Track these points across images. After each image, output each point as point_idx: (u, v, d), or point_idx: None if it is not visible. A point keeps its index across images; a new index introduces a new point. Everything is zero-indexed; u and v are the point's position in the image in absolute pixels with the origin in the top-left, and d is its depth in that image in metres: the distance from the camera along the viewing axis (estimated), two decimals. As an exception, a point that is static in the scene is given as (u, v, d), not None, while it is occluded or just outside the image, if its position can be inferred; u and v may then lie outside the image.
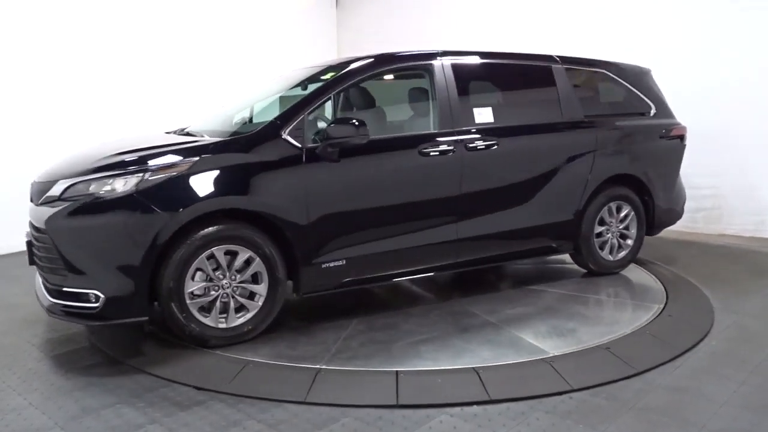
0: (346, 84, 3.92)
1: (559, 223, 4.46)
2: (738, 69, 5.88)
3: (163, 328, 3.55)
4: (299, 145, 3.54)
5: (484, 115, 4.15)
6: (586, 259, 4.65)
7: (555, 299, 4.27)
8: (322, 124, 3.93)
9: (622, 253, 4.79)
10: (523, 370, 3.11)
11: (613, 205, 4.67)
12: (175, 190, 3.29)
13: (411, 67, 4.25)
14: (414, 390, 2.92)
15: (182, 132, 4.23)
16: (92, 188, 3.28)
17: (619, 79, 4.83)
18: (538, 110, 4.53)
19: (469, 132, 4.03)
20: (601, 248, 4.68)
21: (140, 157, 3.41)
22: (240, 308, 3.49)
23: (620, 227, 4.74)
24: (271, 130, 3.56)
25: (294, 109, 3.65)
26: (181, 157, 3.38)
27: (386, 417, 2.72)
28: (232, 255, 3.42)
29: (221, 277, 3.40)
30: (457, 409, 2.77)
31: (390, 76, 4.39)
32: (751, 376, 3.07)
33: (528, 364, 3.16)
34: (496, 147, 4.08)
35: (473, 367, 3.10)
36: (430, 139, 3.95)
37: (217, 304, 3.42)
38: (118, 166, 3.35)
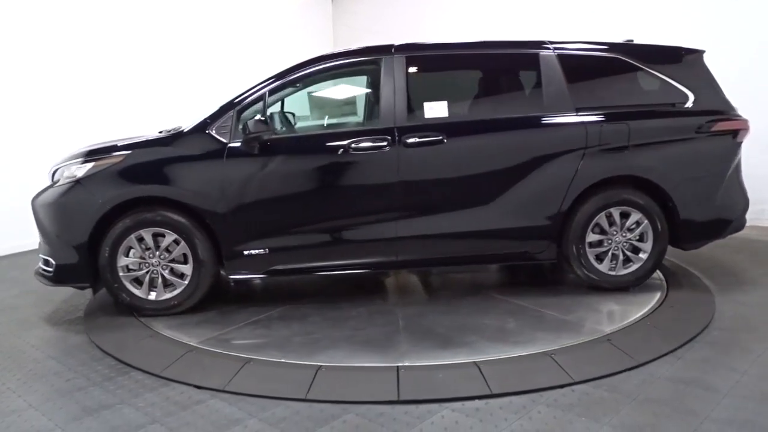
0: (280, 82, 4.03)
1: (529, 228, 4.03)
2: (734, 60, 5.84)
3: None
4: (223, 141, 3.89)
5: (436, 110, 3.98)
6: (577, 270, 4.11)
7: (553, 290, 4.23)
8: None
9: (632, 268, 4.11)
10: (525, 363, 3.09)
11: (615, 212, 4.05)
12: (107, 178, 3.88)
13: (356, 63, 4.22)
14: (415, 385, 2.91)
15: (172, 131, 4.24)
16: (57, 174, 4.10)
17: (638, 64, 4.13)
18: (511, 103, 4.22)
19: (411, 128, 3.91)
20: (600, 260, 4.14)
21: (93, 150, 4.03)
22: (171, 284, 4.01)
23: (627, 237, 4.10)
24: (200, 127, 3.96)
25: (223, 107, 3.99)
26: (119, 151, 3.94)
27: (388, 413, 2.71)
28: (163, 237, 3.95)
29: (151, 256, 3.94)
30: (459, 404, 2.75)
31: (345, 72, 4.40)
32: (754, 366, 3.06)
33: (529, 358, 3.14)
34: (443, 143, 3.89)
35: (474, 361, 3.09)
36: (360, 135, 3.92)
37: (147, 278, 3.97)
38: (78, 157, 4.02)
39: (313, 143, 4.09)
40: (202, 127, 3.95)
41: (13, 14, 6.19)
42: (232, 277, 4.03)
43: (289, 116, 4.92)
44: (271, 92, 4.02)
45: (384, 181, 3.91)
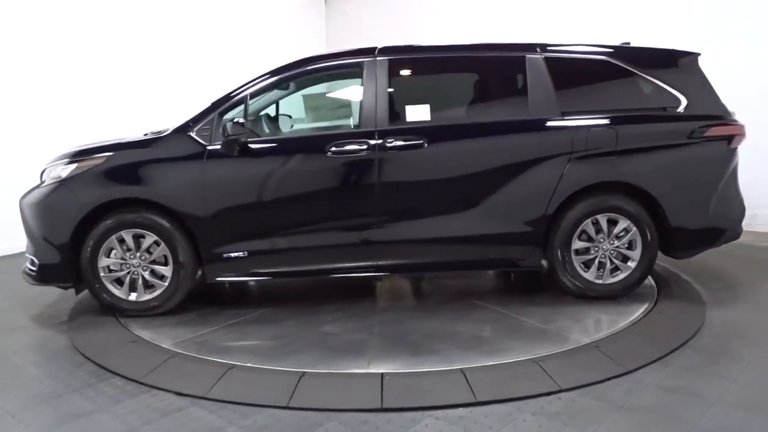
0: (262, 84, 4.04)
1: (513, 234, 3.95)
2: (729, 63, 5.83)
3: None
4: (203, 143, 3.88)
5: (418, 113, 3.94)
6: (562, 278, 4.01)
7: (537, 299, 4.17)
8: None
9: (620, 276, 4.02)
10: (511, 370, 3.05)
11: (602, 219, 3.96)
12: (89, 180, 3.89)
13: (339, 66, 4.21)
14: (399, 393, 2.85)
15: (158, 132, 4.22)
16: (44, 175, 4.12)
17: (629, 68, 4.04)
18: (495, 107, 4.17)
19: (392, 132, 3.87)
20: (587, 267, 4.06)
21: (78, 151, 4.03)
22: (151, 286, 3.99)
23: (615, 245, 4.00)
24: (181, 129, 3.95)
25: (206, 110, 3.99)
26: (102, 153, 3.94)
27: (371, 421, 2.66)
28: (144, 238, 3.94)
29: (131, 257, 3.92)
30: (442, 412, 2.70)
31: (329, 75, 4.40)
32: (743, 373, 3.02)
33: (515, 365, 3.10)
34: (424, 147, 3.84)
35: (460, 368, 3.04)
36: (340, 138, 3.89)
37: (128, 279, 3.96)
38: (64, 157, 4.03)
39: (293, 146, 4.07)
40: (183, 129, 3.95)
41: (9, 20, 6.15)
42: (219, 279, 4.01)
43: (283, 118, 4.92)
44: (253, 95, 4.01)
45: (364, 184, 3.88)
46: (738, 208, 4.18)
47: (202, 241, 3.91)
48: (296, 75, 4.18)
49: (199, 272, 4.05)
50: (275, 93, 4.50)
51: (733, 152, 4.07)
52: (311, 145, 3.99)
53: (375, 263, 3.99)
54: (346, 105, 5.19)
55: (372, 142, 3.85)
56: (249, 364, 3.20)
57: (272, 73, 4.10)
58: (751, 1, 5.84)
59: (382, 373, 3.02)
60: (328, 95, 5.36)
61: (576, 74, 4.15)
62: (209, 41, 8.00)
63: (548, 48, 4.12)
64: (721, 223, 4.13)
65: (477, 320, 3.78)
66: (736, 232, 4.19)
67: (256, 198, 3.89)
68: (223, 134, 3.83)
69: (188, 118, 4.00)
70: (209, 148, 3.88)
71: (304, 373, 3.05)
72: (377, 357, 3.27)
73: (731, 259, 5.09)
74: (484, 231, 3.95)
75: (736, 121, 4.10)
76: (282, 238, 3.94)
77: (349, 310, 4.07)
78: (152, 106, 7.12)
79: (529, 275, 4.78)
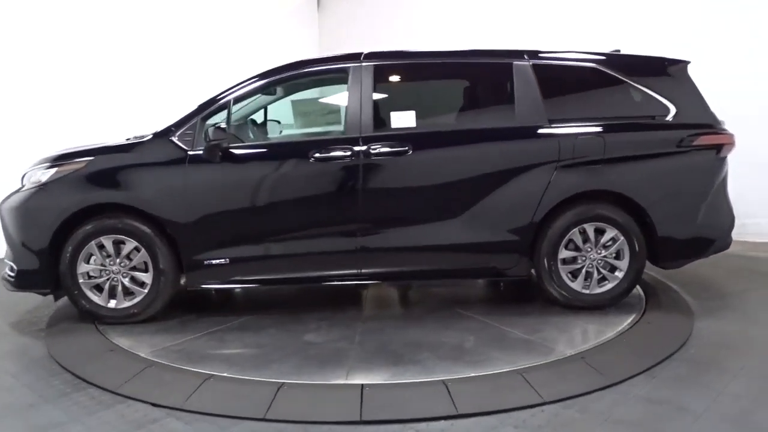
0: (246, 89, 4.00)
1: (499, 243, 3.90)
2: (719, 72, 5.80)
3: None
4: (185, 148, 3.82)
5: (403, 120, 3.88)
6: (549, 288, 3.94)
7: (524, 308, 4.10)
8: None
9: (607, 286, 3.95)
10: (494, 381, 2.99)
11: (590, 228, 3.89)
12: (69, 184, 3.83)
13: (324, 71, 4.18)
14: (379, 405, 2.79)
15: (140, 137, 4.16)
16: (25, 179, 4.05)
17: (618, 75, 3.99)
18: (481, 114, 4.14)
19: (377, 138, 3.81)
20: (574, 277, 3.99)
21: (59, 155, 3.98)
22: (131, 293, 3.91)
23: (603, 255, 3.93)
24: (163, 134, 3.90)
25: (189, 114, 3.94)
26: (83, 157, 3.88)
27: (349, 434, 2.60)
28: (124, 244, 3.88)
29: (111, 263, 3.86)
30: (424, 425, 2.64)
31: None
32: (730, 385, 2.97)
33: (499, 376, 3.04)
34: (408, 154, 3.78)
35: (442, 380, 2.98)
36: (323, 145, 3.85)
37: (107, 286, 3.88)
38: (45, 161, 3.98)
39: (275, 152, 4.03)
40: (165, 134, 3.90)
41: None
42: (200, 286, 3.95)
43: (271, 124, 4.87)
44: (237, 100, 3.96)
45: (348, 191, 3.82)
46: (727, 218, 4.14)
47: (183, 247, 3.85)
48: (281, 80, 4.14)
49: (182, 279, 3.98)
50: (262, 98, 4.47)
51: (722, 161, 4.03)
52: (294, 151, 3.94)
53: (359, 271, 3.94)
54: (334, 111, 5.16)
55: (356, 148, 3.80)
56: (227, 374, 3.13)
57: (256, 78, 4.05)
58: (742, 10, 5.84)
59: (362, 385, 2.95)
60: (316, 101, 5.33)
61: (564, 82, 4.12)
62: (201, 46, 7.95)
63: (536, 55, 4.08)
64: (710, 233, 4.08)
65: (461, 330, 3.72)
66: (725, 242, 4.15)
67: (238, 204, 3.84)
68: (205, 139, 3.77)
69: (171, 123, 3.94)
70: (191, 153, 3.82)
71: (283, 383, 2.98)
72: (358, 367, 3.21)
73: (720, 269, 5.05)
74: (470, 239, 3.90)
75: (725, 130, 4.07)
76: (264, 245, 3.88)
77: (334, 318, 4.01)
78: (142, 109, 7.03)
79: (518, 284, 4.72)
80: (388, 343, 3.55)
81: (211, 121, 3.94)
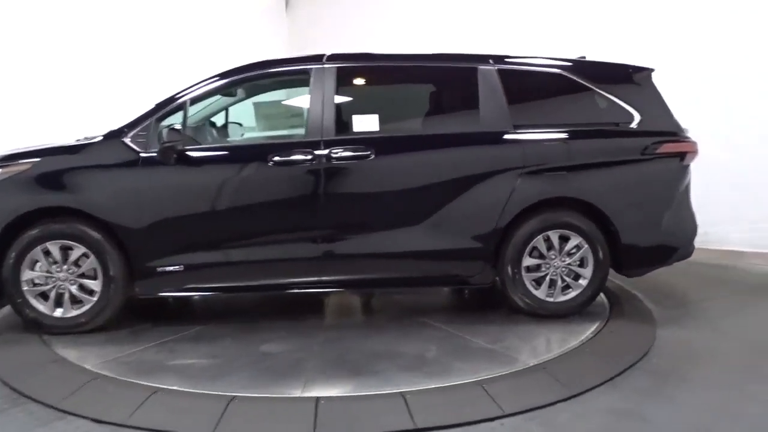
0: (203, 90, 3.85)
1: (462, 250, 3.81)
2: (682, 79, 5.84)
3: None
4: (138, 150, 3.66)
5: (366, 123, 3.79)
6: (513, 296, 3.88)
7: (487, 317, 4.02)
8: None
9: (571, 294, 3.89)
10: (454, 394, 2.90)
11: (554, 235, 3.85)
12: (13, 186, 3.65)
13: (285, 72, 4.08)
14: (333, 419, 2.67)
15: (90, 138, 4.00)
16: None
17: (583, 82, 3.97)
18: (446, 119, 4.09)
19: (339, 142, 3.70)
20: (538, 285, 3.91)
21: (5, 156, 3.80)
22: (79, 301, 3.71)
23: (567, 262, 3.89)
24: (114, 135, 3.73)
25: (143, 115, 3.78)
26: (29, 158, 3.70)
27: (301, 451, 2.48)
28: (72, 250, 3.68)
29: (58, 270, 3.66)
30: (379, 440, 2.55)
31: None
32: (693, 396, 2.93)
33: (459, 388, 2.95)
34: (371, 159, 3.68)
35: (400, 392, 2.87)
36: (283, 148, 3.72)
37: (53, 294, 3.68)
38: None
39: (233, 155, 3.91)
40: (116, 135, 3.73)
41: None
42: (152, 294, 3.79)
43: (233, 127, 4.73)
44: (194, 100, 3.82)
45: (308, 196, 3.71)
46: (690, 226, 4.13)
47: (135, 253, 3.68)
48: (241, 80, 4.02)
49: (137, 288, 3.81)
50: (223, 100, 4.34)
51: (685, 169, 4.03)
52: (252, 154, 3.81)
53: (320, 279, 3.82)
54: (298, 114, 5.03)
55: (317, 152, 3.70)
56: (176, 388, 2.98)
57: (215, 78, 3.92)
58: (705, 18, 5.89)
59: (317, 398, 2.83)
60: (279, 103, 5.21)
61: (530, 87, 4.08)
62: (167, 45, 7.76)
63: (502, 60, 4.04)
64: (673, 241, 4.08)
65: (423, 339, 3.63)
66: (687, 250, 4.14)
67: (192, 209, 3.70)
68: (159, 141, 3.63)
69: (123, 124, 3.78)
70: (143, 155, 3.66)
71: (234, 397, 2.85)
72: (316, 379, 3.09)
73: (683, 276, 5.05)
74: (434, 246, 3.81)
75: (688, 137, 4.07)
76: (221, 252, 3.74)
77: (293, 327, 3.88)
78: (100, 108, 6.81)
79: (482, 292, 4.65)
80: (347, 353, 3.44)
81: (166, 122, 3.79)
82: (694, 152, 4.03)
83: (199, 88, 3.86)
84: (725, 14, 5.80)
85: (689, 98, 5.26)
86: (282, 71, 4.07)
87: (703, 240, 5.53)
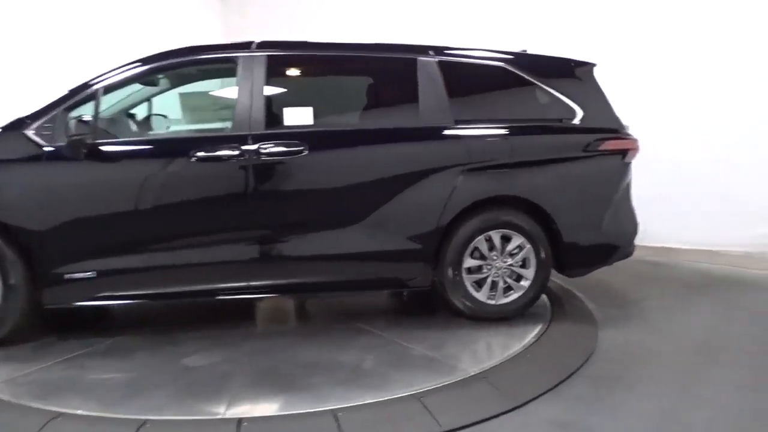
0: (118, 78, 3.52)
1: (401, 252, 3.61)
2: (623, 75, 5.83)
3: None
4: (41, 143, 3.31)
5: (298, 117, 3.55)
6: (453, 299, 3.70)
7: (427, 321, 3.83)
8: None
9: (513, 296, 3.75)
10: (390, 409, 2.69)
11: (496, 235, 3.69)
12: None
13: (210, 60, 3.77)
14: (257, 443, 2.44)
15: None
16: None
17: (525, 76, 3.83)
18: (384, 113, 3.86)
19: (268, 137, 3.43)
20: (479, 287, 3.75)
21: None
22: None
23: (509, 263, 3.74)
24: (13, 127, 3.36)
25: (49, 105, 3.43)
26: None
27: (219, 481, 2.23)
28: None
29: None
30: (307, 466, 2.32)
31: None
32: (637, 403, 2.82)
33: (395, 402, 2.74)
34: (304, 155, 3.43)
35: (331, 409, 2.64)
36: (207, 143, 3.44)
37: None
38: None
39: (150, 150, 3.59)
40: (16, 127, 3.36)
41: None
42: (60, 304, 3.43)
43: (156, 119, 4.38)
44: (108, 89, 3.46)
45: (236, 195, 3.43)
46: (631, 225, 4.07)
47: (39, 259, 3.31)
48: (162, 68, 3.71)
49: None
50: (146, 90, 4.00)
51: (627, 167, 3.96)
52: (172, 149, 3.50)
53: (248, 284, 3.54)
54: (228, 106, 4.72)
55: (245, 147, 3.41)
56: (80, 411, 2.65)
57: (134, 65, 3.59)
58: (646, 13, 5.89)
59: (239, 419, 2.57)
60: (208, 94, 4.87)
61: (471, 80, 3.92)
62: (93, 38, 7.22)
63: (442, 51, 3.85)
64: (615, 239, 4.00)
65: (360, 348, 3.42)
66: (628, 249, 4.08)
67: (106, 209, 3.37)
68: (66, 134, 3.27)
69: (26, 114, 3.40)
70: (48, 149, 3.30)
71: (146, 421, 2.55)
72: (242, 396, 2.83)
73: (621, 274, 4.99)
74: (371, 248, 3.60)
75: (630, 135, 4.00)
76: (138, 256, 3.41)
77: (218, 337, 3.59)
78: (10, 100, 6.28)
79: (422, 295, 4.47)
80: (278, 365, 3.19)
81: (76, 112, 3.42)
82: (636, 149, 3.97)
83: (114, 75, 3.52)
84: (656, 10, 5.82)
85: (626, 94, 5.23)
86: (206, 59, 3.76)
87: (642, 237, 5.55)
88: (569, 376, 3.08)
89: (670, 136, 5.70)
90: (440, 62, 3.76)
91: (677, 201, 5.80)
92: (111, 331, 3.69)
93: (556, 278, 4.48)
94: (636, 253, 4.23)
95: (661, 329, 3.83)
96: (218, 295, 3.59)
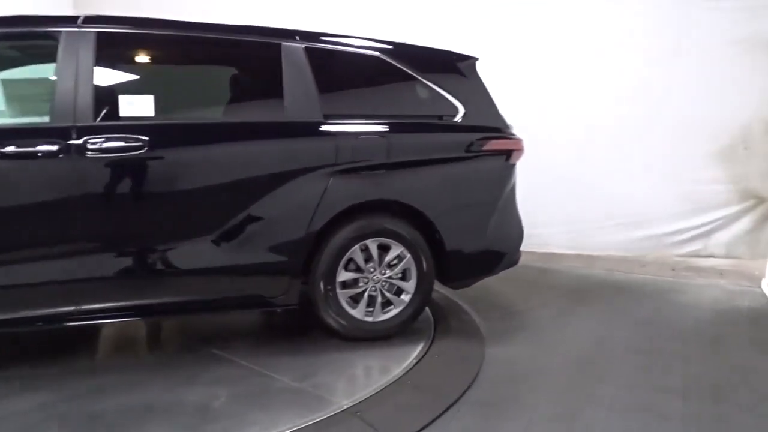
0: None
1: (263, 265, 3.14)
2: (507, 72, 5.65)
3: None
4: None
5: (137, 107, 2.97)
6: (325, 317, 3.28)
7: (296, 345, 3.38)
8: None
9: (393, 312, 3.37)
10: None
11: (372, 244, 3.30)
12: None
13: (19, 35, 3.04)
14: None
15: None
16: None
17: (403, 68, 3.46)
18: (242, 105, 3.37)
19: (99, 129, 2.85)
20: (355, 303, 3.34)
21: None
22: None
23: (387, 275, 3.36)
24: None
25: None
26: None
27: None
28: None
29: None
30: None
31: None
32: (526, 429, 2.51)
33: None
34: (143, 152, 2.87)
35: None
36: (17, 136, 2.83)
37: None
38: None
39: None
40: None
41: None
42: None
43: None
44: None
45: (56, 199, 2.79)
46: (516, 230, 3.83)
47: None
48: None
49: None
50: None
51: (511, 169, 3.71)
52: None
53: (77, 308, 2.88)
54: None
55: (68, 142, 2.77)
56: None
57: None
58: (532, 9, 5.77)
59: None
60: (34, 81, 4.09)
61: (344, 71, 3.49)
62: None
63: (311, 37, 3.38)
64: (500, 246, 3.74)
65: (212, 381, 2.86)
66: (514, 257, 3.84)
67: None
68: None
69: None
70: None
71: None
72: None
73: (509, 282, 4.75)
74: (227, 262, 3.06)
75: (514, 135, 3.75)
76: None
77: (35, 376, 2.90)
78: None
79: (291, 314, 3.95)
80: (106, 411, 2.57)
81: None
82: (521, 150, 3.73)
83: None
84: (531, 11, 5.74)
85: (507, 93, 5.07)
86: (15, 33, 3.03)
87: (527, 243, 5.37)
88: (454, 403, 2.72)
89: (551, 137, 5.59)
90: (308, 49, 3.29)
91: (557, 204, 5.74)
92: None
93: (442, 289, 4.16)
94: (523, 259, 4.00)
95: (546, 342, 3.61)
96: (38, 322, 2.89)
